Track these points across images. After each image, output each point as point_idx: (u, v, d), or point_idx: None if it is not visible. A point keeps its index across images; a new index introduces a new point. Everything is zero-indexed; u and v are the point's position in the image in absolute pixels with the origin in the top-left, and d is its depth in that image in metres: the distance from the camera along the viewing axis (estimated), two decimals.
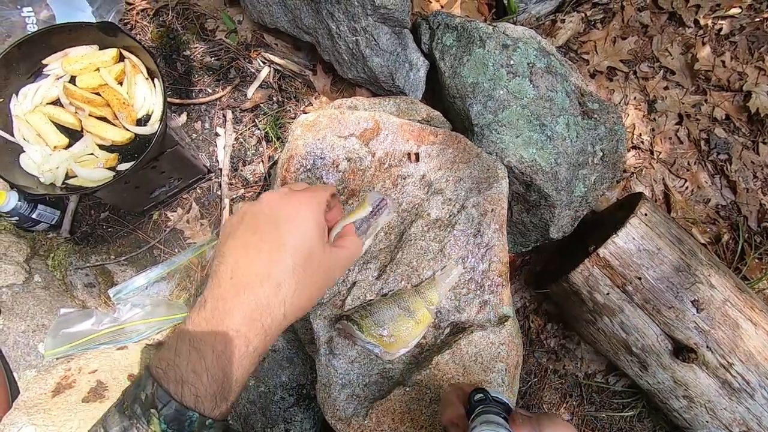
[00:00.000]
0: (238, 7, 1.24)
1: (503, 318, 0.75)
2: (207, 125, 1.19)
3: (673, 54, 1.50)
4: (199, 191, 1.15)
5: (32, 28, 1.17)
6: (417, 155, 0.91)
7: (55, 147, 0.79)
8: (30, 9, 1.17)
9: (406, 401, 0.67)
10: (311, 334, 0.88)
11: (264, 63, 1.23)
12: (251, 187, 1.16)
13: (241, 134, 1.18)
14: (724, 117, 1.46)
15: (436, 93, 1.15)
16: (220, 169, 1.15)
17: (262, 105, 1.20)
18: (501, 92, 0.97)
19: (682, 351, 0.99)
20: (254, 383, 0.88)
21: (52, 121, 0.81)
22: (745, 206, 1.40)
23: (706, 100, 1.48)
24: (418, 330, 0.72)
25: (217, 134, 1.18)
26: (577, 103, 1.02)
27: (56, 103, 0.82)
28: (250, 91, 1.20)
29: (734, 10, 1.51)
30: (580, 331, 1.20)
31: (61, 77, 0.82)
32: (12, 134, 0.79)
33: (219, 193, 1.14)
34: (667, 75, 1.50)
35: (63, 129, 0.82)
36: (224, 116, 1.18)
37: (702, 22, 1.51)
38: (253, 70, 1.22)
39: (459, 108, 1.03)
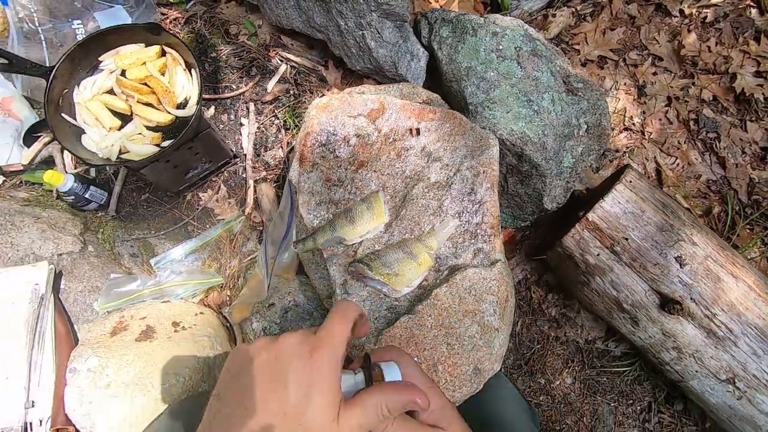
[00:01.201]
0: (258, 13, 1.39)
1: (495, 262, 0.85)
2: (232, 117, 1.33)
3: (660, 42, 1.60)
4: (226, 174, 1.29)
5: (81, 38, 1.35)
6: (418, 130, 1.03)
7: (110, 128, 0.94)
8: (79, 21, 1.35)
9: (410, 327, 0.78)
10: (328, 290, 1.00)
11: (281, 61, 1.37)
12: (272, 169, 1.29)
13: (262, 124, 1.33)
14: (711, 98, 1.55)
15: (435, 81, 1.28)
16: (245, 155, 1.29)
17: (280, 97, 1.35)
18: (492, 74, 1.09)
19: (668, 304, 1.07)
20: (280, 331, 1.00)
21: (107, 107, 0.96)
22: (735, 180, 1.48)
23: (693, 83, 1.57)
24: (420, 271, 0.83)
25: (241, 124, 1.32)
26: (562, 81, 1.13)
27: (110, 92, 0.98)
28: (270, 86, 1.35)
29: None
30: (576, 295, 1.29)
31: (114, 71, 0.98)
32: (75, 118, 0.95)
33: (244, 175, 1.28)
34: (655, 61, 1.60)
35: (116, 113, 0.97)
36: (247, 108, 1.33)
37: (687, 11, 1.61)
38: (272, 68, 1.37)
39: (455, 90, 1.15)
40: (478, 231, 0.89)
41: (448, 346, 0.78)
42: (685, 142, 1.53)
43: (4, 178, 1.18)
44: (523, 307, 1.44)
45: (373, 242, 0.89)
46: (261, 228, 1.23)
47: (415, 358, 0.78)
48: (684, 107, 1.55)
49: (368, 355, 0.45)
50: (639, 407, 1.37)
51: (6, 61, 0.90)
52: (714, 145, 1.51)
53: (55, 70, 0.92)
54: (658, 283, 1.09)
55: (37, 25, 1.30)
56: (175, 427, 0.70)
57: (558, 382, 1.40)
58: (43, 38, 1.30)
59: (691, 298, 1.07)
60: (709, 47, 1.57)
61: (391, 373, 0.44)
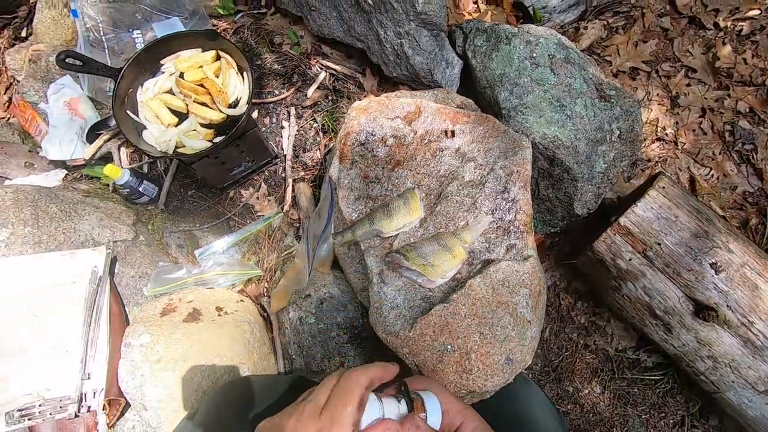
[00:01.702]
0: (301, 24, 1.48)
1: (527, 258, 0.88)
2: (274, 120, 1.41)
3: (694, 54, 1.60)
4: (267, 173, 1.36)
5: (140, 47, 1.46)
6: (453, 132, 1.08)
7: (168, 125, 1.02)
8: (139, 31, 1.46)
9: (445, 315, 0.81)
10: (362, 283, 1.04)
11: (321, 69, 1.45)
12: (310, 170, 1.36)
13: (301, 127, 1.40)
14: (747, 110, 1.53)
15: (468, 88, 1.32)
16: (285, 155, 1.36)
17: (319, 103, 1.42)
18: (525, 80, 1.13)
19: (702, 310, 1.06)
20: (315, 321, 1.04)
21: (167, 106, 1.04)
22: None
23: (728, 95, 1.56)
24: (454, 263, 0.86)
25: (282, 127, 1.40)
26: (595, 88, 1.15)
27: (170, 92, 1.06)
28: (310, 92, 1.42)
29: (753, 12, 1.60)
30: (607, 301, 1.28)
31: (173, 73, 1.07)
32: (137, 115, 1.03)
33: (283, 175, 1.35)
34: (689, 73, 1.60)
35: (174, 111, 1.05)
36: (288, 112, 1.41)
37: (722, 24, 1.61)
38: (312, 75, 1.45)
39: (489, 96, 1.19)
40: (511, 228, 0.92)
41: (481, 335, 0.80)
42: (720, 153, 1.52)
43: (67, 172, 1.29)
44: (552, 314, 1.44)
45: (408, 236, 0.93)
46: (298, 224, 1.29)
47: (449, 346, 0.80)
48: (719, 118, 1.54)
49: (405, 382, 0.49)
50: (672, 420, 1.34)
51: (80, 63, 1.00)
52: (751, 157, 1.49)
53: (123, 71, 1.01)
54: (693, 290, 1.08)
55: (101, 34, 1.42)
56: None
57: (587, 391, 1.38)
58: (105, 46, 1.42)
59: (727, 306, 1.05)
60: (744, 59, 1.57)
61: (432, 404, 0.48)
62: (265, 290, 1.21)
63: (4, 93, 1.61)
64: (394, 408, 0.46)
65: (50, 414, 0.88)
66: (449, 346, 0.80)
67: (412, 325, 0.82)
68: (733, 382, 1.08)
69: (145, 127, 1.03)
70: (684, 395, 1.33)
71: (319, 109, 1.42)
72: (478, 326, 0.80)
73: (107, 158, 1.31)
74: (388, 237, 0.94)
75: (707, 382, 1.13)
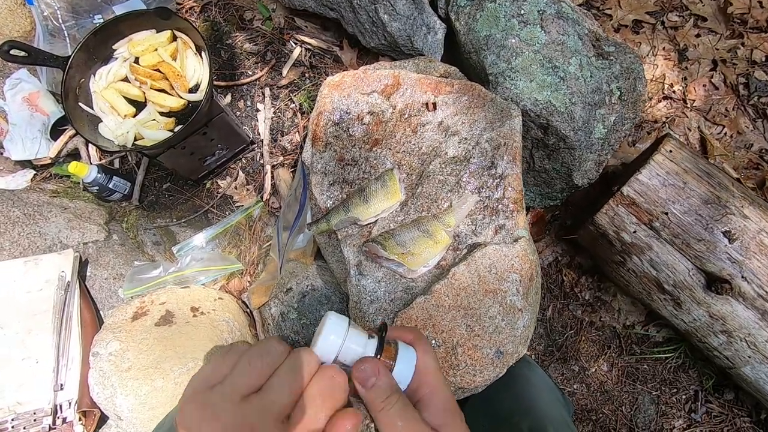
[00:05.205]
0: None
1: (518, 239, 0.80)
2: (249, 103, 1.32)
3: (703, 0, 1.46)
4: (244, 161, 1.28)
5: None
6: (434, 104, 0.98)
7: (125, 115, 0.95)
8: (100, 16, 1.37)
9: (427, 308, 0.74)
10: (345, 273, 0.98)
11: (296, 44, 1.35)
12: (289, 154, 1.28)
13: (278, 108, 1.31)
14: (764, 59, 1.40)
15: (454, 54, 1.21)
16: (262, 140, 1.28)
17: (296, 81, 1.33)
18: (513, 41, 1.02)
19: (715, 283, 0.98)
20: (297, 316, 0.98)
21: (122, 95, 0.96)
22: None
23: (743, 44, 1.42)
24: (437, 249, 0.78)
25: (257, 110, 1.31)
26: (591, 45, 1.04)
27: (125, 80, 0.98)
28: (285, 70, 1.33)
29: None
30: (611, 276, 1.20)
31: (128, 59, 0.98)
32: (92, 107, 0.96)
33: (261, 161, 1.27)
34: (698, 22, 1.46)
35: (131, 101, 0.97)
36: (263, 93, 1.32)
37: None
38: (286, 51, 1.35)
39: (474, 62, 1.08)
40: (500, 207, 0.83)
41: (467, 328, 0.73)
42: (733, 109, 1.40)
43: (35, 172, 1.23)
44: (554, 291, 1.37)
45: (388, 221, 0.86)
46: (279, 213, 1.22)
47: (433, 341, 0.74)
48: (732, 71, 1.41)
49: (386, 324, 0.42)
50: (684, 396, 1.28)
51: (25, 54, 0.92)
52: (767, 110, 1.37)
53: (70, 59, 0.93)
54: (704, 261, 0.99)
55: (60, 22, 1.33)
56: None
57: (593, 370, 1.32)
58: (66, 34, 1.33)
59: (743, 276, 0.97)
60: (760, 2, 1.42)
61: (406, 356, 0.40)
62: (248, 285, 1.16)
63: None
64: (362, 341, 0.39)
65: (24, 428, 0.84)
66: (433, 341, 0.73)
67: (393, 320, 0.75)
68: (749, 357, 1.01)
69: (100, 120, 0.96)
70: (697, 370, 1.27)
71: (296, 88, 1.33)
72: (464, 318, 0.73)
73: (75, 155, 1.24)
74: (366, 224, 0.86)
75: (721, 358, 1.06)
